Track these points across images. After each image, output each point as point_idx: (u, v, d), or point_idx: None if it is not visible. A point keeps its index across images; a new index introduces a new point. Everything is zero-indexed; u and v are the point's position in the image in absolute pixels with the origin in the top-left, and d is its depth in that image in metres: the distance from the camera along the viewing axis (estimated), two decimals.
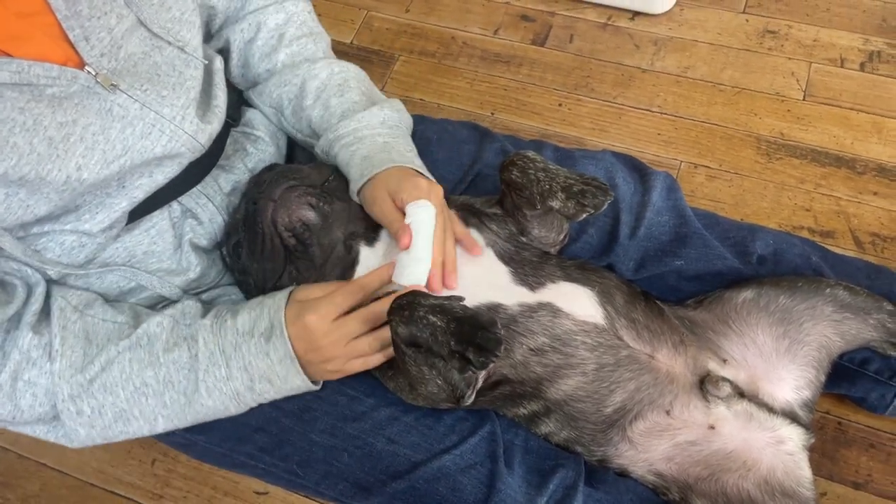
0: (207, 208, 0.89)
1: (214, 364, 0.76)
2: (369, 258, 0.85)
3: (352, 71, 0.98)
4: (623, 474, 0.87)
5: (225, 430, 0.86)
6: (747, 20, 1.47)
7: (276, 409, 0.84)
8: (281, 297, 0.79)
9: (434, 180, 0.86)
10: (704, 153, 1.31)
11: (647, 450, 0.85)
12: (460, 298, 0.71)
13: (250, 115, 1.00)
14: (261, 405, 0.83)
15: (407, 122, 0.97)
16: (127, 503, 1.06)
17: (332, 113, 0.93)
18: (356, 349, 0.78)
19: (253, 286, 0.89)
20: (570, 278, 0.86)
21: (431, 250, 0.76)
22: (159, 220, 0.86)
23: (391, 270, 0.78)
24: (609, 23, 1.50)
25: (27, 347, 0.72)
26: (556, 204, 0.78)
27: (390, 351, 0.78)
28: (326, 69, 0.95)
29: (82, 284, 0.84)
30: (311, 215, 0.83)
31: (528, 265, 0.86)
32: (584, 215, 0.78)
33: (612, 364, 0.83)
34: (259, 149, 0.97)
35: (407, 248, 0.76)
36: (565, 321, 0.82)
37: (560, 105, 1.38)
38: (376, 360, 0.80)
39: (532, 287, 0.84)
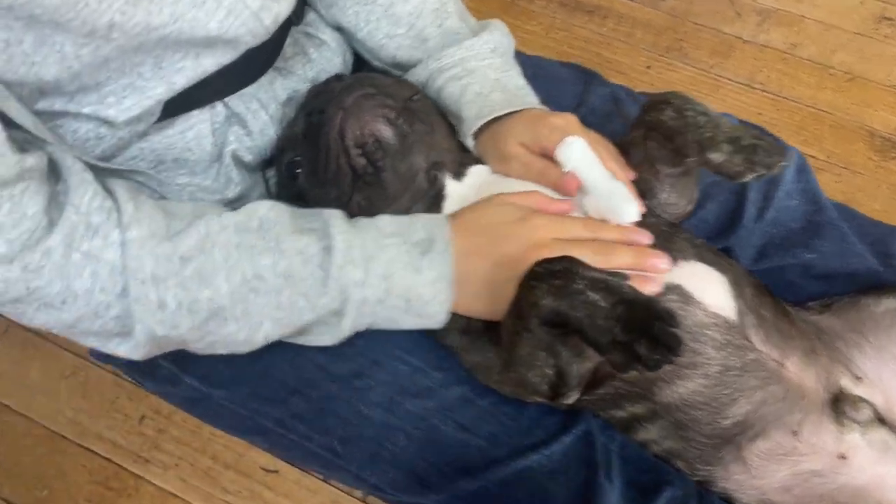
0: (259, 116, 0.75)
1: (351, 262, 0.63)
2: (458, 193, 0.74)
3: None
4: (727, 500, 0.74)
5: (254, 386, 0.72)
6: (862, 2, 1.36)
7: (321, 371, 0.71)
8: (440, 216, 0.69)
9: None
10: (811, 141, 1.19)
11: (763, 475, 0.73)
12: (624, 276, 0.58)
13: (315, 15, 0.85)
14: (304, 363, 0.69)
15: (513, 46, 0.84)
16: (104, 465, 0.92)
17: (429, 45, 0.81)
18: None
19: None
20: (703, 259, 0.74)
21: (616, 177, 0.70)
22: (199, 121, 0.72)
23: (647, 237, 0.70)
24: None
25: (86, 208, 0.57)
26: (718, 157, 0.66)
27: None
28: None
29: None
30: (386, 131, 0.69)
31: (658, 235, 0.73)
32: (751, 177, 0.66)
33: (737, 368, 0.71)
34: (323, 56, 0.83)
35: (573, 193, 0.69)
36: (697, 310, 0.70)
37: (649, 67, 1.26)
38: None
39: None
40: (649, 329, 0.54)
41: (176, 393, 0.78)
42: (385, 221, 0.66)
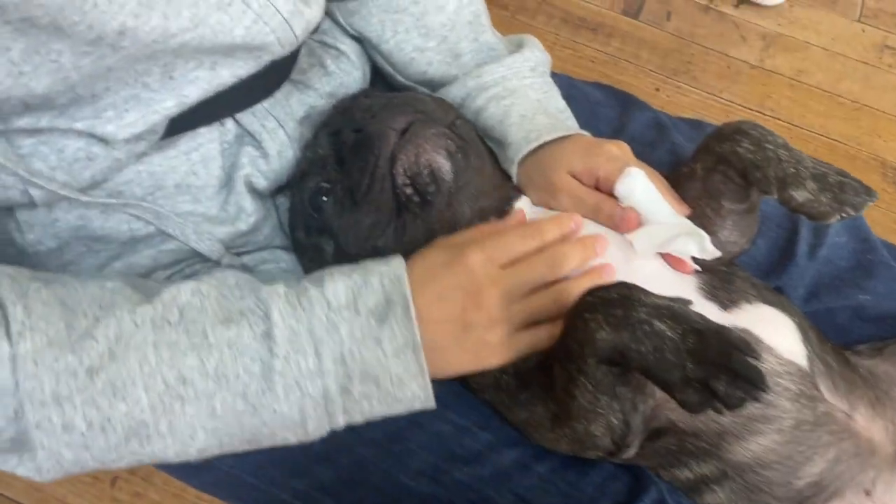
0: (276, 136, 0.67)
1: (298, 350, 0.53)
2: None
3: (480, 2, 0.78)
4: None
5: (271, 453, 0.62)
6: (863, 30, 1.36)
7: (353, 433, 0.62)
8: (397, 262, 0.57)
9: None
10: None
11: None
12: (687, 301, 0.52)
13: (331, 23, 0.78)
14: None
15: (550, 64, 0.78)
16: None
17: (463, 61, 0.75)
18: (533, 309, 0.58)
19: (330, 253, 0.66)
20: (766, 301, 0.68)
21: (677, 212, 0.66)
22: (206, 140, 0.64)
23: (579, 222, 0.64)
24: (711, 6, 1.35)
25: None
26: (802, 195, 0.61)
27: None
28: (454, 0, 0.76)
29: (74, 220, 0.61)
30: (445, 165, 0.62)
31: (716, 274, 0.68)
32: (836, 218, 0.61)
33: (810, 422, 0.66)
34: (342, 69, 0.75)
35: (633, 229, 0.64)
36: (769, 357, 0.65)
37: (657, 90, 1.22)
38: (556, 330, 0.59)
39: (724, 305, 0.66)
40: (727, 362, 0.48)
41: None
42: (335, 290, 0.56)
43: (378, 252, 0.64)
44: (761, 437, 0.65)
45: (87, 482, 0.82)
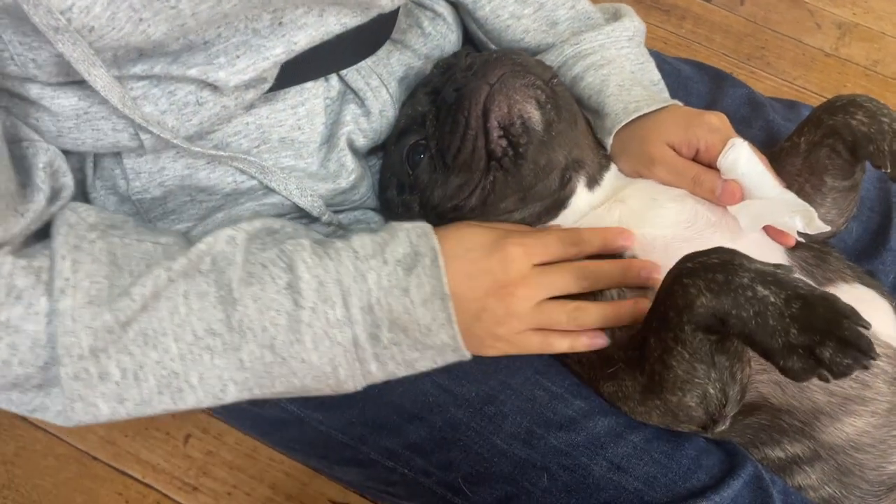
0: (380, 95, 0.68)
1: (325, 300, 0.54)
2: (582, 204, 0.68)
3: None
4: None
5: (363, 409, 0.64)
6: None
7: (446, 393, 0.64)
8: (422, 222, 0.60)
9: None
10: None
11: None
12: (790, 268, 0.52)
13: None
14: (424, 384, 0.61)
15: (645, 34, 0.79)
16: (143, 491, 0.82)
17: (559, 29, 0.76)
18: (548, 316, 0.60)
19: (416, 211, 0.67)
20: (864, 282, 0.68)
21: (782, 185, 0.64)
22: (312, 96, 0.65)
23: (628, 238, 0.63)
24: None
25: (10, 268, 0.50)
26: None
27: (587, 342, 0.62)
28: None
29: (182, 169, 0.62)
30: (535, 114, 0.62)
31: (808, 251, 0.68)
32: None
33: None
34: (438, 31, 0.76)
35: (735, 202, 0.64)
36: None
37: (731, 74, 1.21)
38: (562, 345, 0.62)
39: (819, 282, 0.66)
40: (835, 328, 0.47)
41: (256, 414, 0.69)
42: (362, 242, 0.58)
43: (458, 210, 0.65)
44: (856, 418, 0.64)
45: (159, 438, 0.84)
